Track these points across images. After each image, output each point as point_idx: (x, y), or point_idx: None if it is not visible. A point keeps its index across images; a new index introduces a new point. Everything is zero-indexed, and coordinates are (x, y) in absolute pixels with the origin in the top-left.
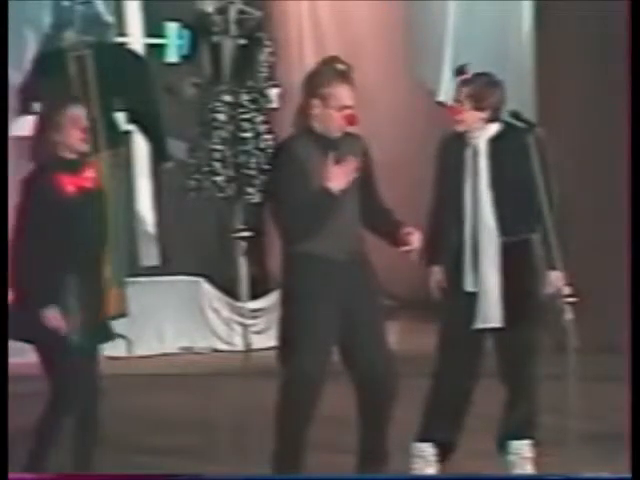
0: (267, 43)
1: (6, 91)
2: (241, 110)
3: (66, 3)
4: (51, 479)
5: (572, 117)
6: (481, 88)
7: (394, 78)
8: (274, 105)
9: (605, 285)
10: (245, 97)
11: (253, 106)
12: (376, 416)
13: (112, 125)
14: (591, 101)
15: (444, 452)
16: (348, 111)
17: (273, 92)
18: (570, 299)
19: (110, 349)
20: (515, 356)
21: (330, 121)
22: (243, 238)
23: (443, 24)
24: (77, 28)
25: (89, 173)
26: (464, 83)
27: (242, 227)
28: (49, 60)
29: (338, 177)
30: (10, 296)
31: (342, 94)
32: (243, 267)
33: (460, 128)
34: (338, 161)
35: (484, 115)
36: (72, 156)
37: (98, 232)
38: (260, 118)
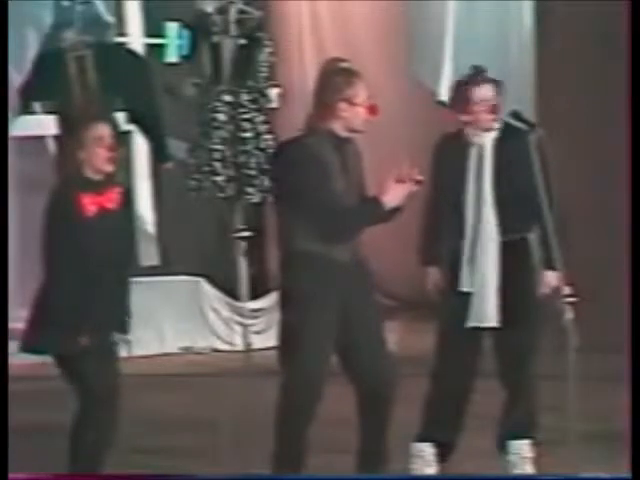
0: (267, 43)
1: (6, 91)
2: (241, 110)
3: (66, 3)
4: (51, 479)
5: (572, 117)
6: (493, 90)
7: (394, 78)
8: (274, 105)
9: (605, 285)
10: (245, 97)
11: (253, 106)
12: (376, 417)
13: (112, 125)
14: (591, 101)
15: (443, 452)
16: (369, 102)
17: (273, 92)
18: (570, 299)
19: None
20: (514, 356)
21: (358, 117)
22: (243, 238)
23: (443, 24)
24: (77, 28)
25: (112, 193)
26: (476, 85)
27: (242, 227)
28: (49, 60)
29: (395, 194)
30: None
31: (362, 89)
32: (243, 267)
33: (470, 130)
34: (398, 179)
35: (493, 117)
36: (97, 176)
37: (120, 251)
38: (260, 118)
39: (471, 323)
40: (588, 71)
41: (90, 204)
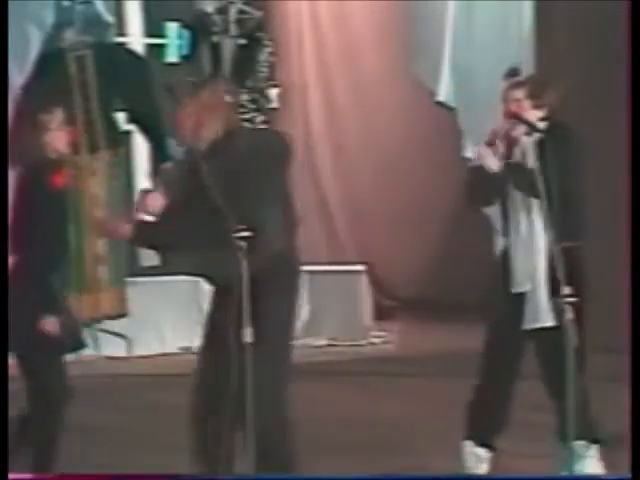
0: (267, 43)
1: (6, 91)
2: (241, 110)
3: (66, 3)
4: (51, 479)
5: (572, 117)
6: (540, 85)
7: (394, 78)
8: (274, 105)
9: (605, 285)
10: (245, 97)
11: (253, 106)
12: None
13: (112, 125)
14: (591, 101)
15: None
16: None
17: (273, 92)
18: (570, 299)
19: (110, 349)
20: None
21: None
22: (243, 238)
23: (443, 24)
24: (77, 28)
25: (66, 171)
26: (519, 85)
27: (242, 227)
28: (49, 60)
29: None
30: None
31: None
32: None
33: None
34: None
35: (541, 114)
36: (57, 156)
37: (71, 230)
38: (260, 118)
39: (526, 325)
40: (588, 70)
41: (56, 182)
